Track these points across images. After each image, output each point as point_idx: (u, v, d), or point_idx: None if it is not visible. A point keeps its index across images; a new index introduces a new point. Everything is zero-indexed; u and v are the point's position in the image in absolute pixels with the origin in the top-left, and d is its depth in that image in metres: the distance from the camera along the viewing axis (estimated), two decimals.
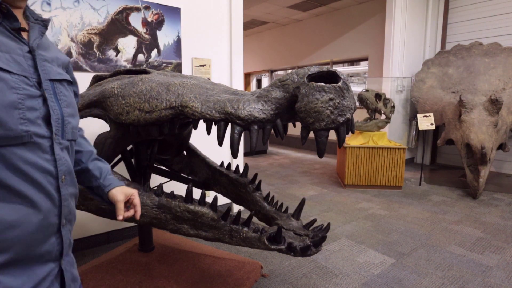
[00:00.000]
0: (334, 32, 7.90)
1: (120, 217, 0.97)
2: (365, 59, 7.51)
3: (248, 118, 1.17)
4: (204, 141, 3.08)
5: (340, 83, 1.06)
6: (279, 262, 2.44)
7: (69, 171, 0.83)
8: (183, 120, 1.39)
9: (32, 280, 0.72)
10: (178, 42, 2.96)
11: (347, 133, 1.16)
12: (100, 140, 1.72)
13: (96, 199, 1.09)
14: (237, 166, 1.94)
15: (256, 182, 1.86)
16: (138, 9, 2.70)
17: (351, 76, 8.45)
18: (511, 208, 3.70)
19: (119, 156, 1.99)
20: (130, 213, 1.01)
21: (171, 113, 1.33)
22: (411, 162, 6.35)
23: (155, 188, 1.53)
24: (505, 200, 4.02)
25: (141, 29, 2.73)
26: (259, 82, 11.39)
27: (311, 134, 1.40)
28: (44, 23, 0.83)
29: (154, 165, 2.13)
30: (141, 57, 2.76)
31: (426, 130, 5.58)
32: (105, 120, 1.69)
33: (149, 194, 1.49)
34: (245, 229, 1.43)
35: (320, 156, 1.14)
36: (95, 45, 2.51)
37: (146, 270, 2.06)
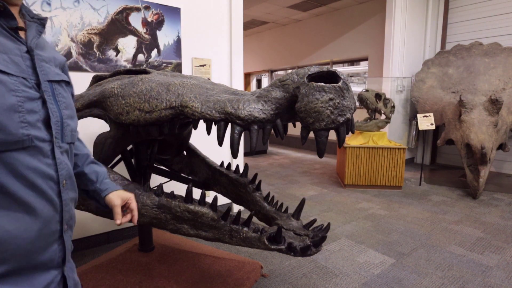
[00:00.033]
0: (334, 32, 7.90)
1: (118, 221, 0.96)
2: (365, 59, 7.51)
3: (248, 118, 1.17)
4: (204, 141, 3.08)
5: (340, 83, 1.06)
6: (279, 262, 2.44)
7: (70, 175, 0.81)
8: (183, 120, 1.39)
9: None
10: (178, 42, 2.96)
11: (347, 133, 1.16)
12: (100, 140, 1.72)
13: (91, 202, 1.08)
14: (237, 166, 1.94)
15: (256, 182, 1.86)
16: (138, 9, 2.70)
17: (351, 76, 8.45)
18: (511, 208, 3.70)
19: (119, 156, 1.99)
20: (127, 218, 1.00)
21: (171, 113, 1.33)
22: (411, 162, 6.35)
23: (155, 188, 1.53)
24: (505, 200, 4.02)
25: (141, 29, 2.73)
26: (259, 82, 11.39)
27: (311, 134, 1.40)
28: (41, 22, 0.80)
29: (154, 165, 2.13)
30: (141, 57, 2.76)
31: (426, 130, 5.58)
32: (105, 120, 1.69)
33: (149, 194, 1.49)
34: (245, 229, 1.43)
35: (320, 156, 1.14)
36: (95, 45, 2.51)
37: (146, 270, 2.06)
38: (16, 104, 0.66)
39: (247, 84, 11.21)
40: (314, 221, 1.59)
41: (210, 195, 3.06)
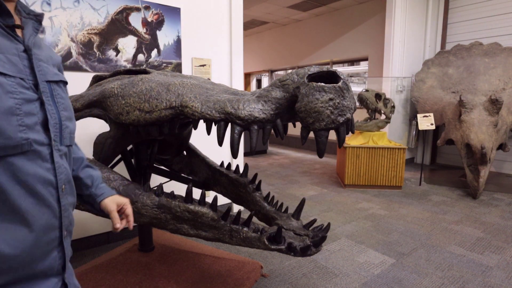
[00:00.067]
0: (334, 32, 7.90)
1: (118, 225, 0.94)
2: (365, 59, 7.51)
3: (248, 118, 1.17)
4: (204, 141, 3.08)
5: (340, 83, 1.06)
6: (279, 262, 2.44)
7: (69, 180, 0.78)
8: (183, 120, 1.39)
9: None
10: (178, 42, 2.96)
11: (347, 133, 1.16)
12: (100, 140, 1.72)
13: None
14: (237, 166, 1.94)
15: (256, 182, 1.86)
16: (138, 9, 2.70)
17: (351, 76, 8.45)
18: (511, 208, 3.70)
19: (119, 156, 1.99)
20: (123, 224, 0.97)
21: (171, 113, 1.33)
22: (411, 162, 6.35)
23: (155, 188, 1.53)
24: (505, 200, 4.02)
25: (141, 29, 2.73)
26: (259, 82, 11.39)
27: (311, 134, 1.40)
28: (37, 18, 0.76)
29: (154, 165, 2.13)
30: (141, 57, 2.76)
31: (426, 130, 5.58)
32: (105, 120, 1.69)
33: (149, 194, 1.49)
34: (245, 229, 1.43)
35: (320, 156, 1.14)
36: (95, 45, 2.51)
37: (146, 270, 2.06)
38: (14, 107, 0.63)
39: (247, 84, 11.21)
40: (314, 221, 1.59)
41: (210, 195, 3.06)
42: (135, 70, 1.71)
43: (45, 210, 0.69)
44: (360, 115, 5.64)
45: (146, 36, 2.77)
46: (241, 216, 1.47)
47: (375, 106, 4.49)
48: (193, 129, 1.47)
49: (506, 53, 5.00)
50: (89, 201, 0.98)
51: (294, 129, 7.70)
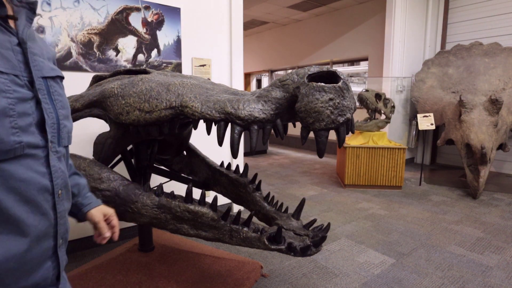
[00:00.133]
0: (334, 32, 7.90)
1: (108, 234, 0.90)
2: (365, 59, 7.51)
3: (248, 118, 1.17)
4: (204, 141, 3.08)
5: (340, 83, 1.06)
6: (279, 262, 2.44)
7: (65, 184, 0.73)
8: (183, 120, 1.39)
9: None
10: (178, 42, 2.96)
11: (347, 133, 1.16)
12: (100, 140, 1.72)
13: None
14: (237, 166, 1.94)
15: (256, 182, 1.86)
16: (138, 9, 2.70)
17: (351, 76, 8.45)
18: (511, 208, 3.70)
19: (119, 156, 1.99)
20: (108, 234, 0.91)
21: (171, 113, 1.33)
22: (411, 162, 6.35)
23: (155, 188, 1.53)
24: (505, 200, 4.02)
25: (141, 29, 2.73)
26: (259, 82, 11.39)
27: (311, 134, 1.40)
28: (31, 6, 0.69)
29: (154, 165, 2.13)
30: (141, 57, 2.76)
31: (426, 130, 5.58)
32: (105, 120, 1.69)
33: (149, 194, 1.49)
34: (245, 229, 1.43)
35: (320, 156, 1.14)
36: (95, 45, 2.51)
37: (146, 270, 2.06)
38: (7, 107, 0.57)
39: (247, 84, 11.22)
40: (314, 221, 1.59)
41: (210, 195, 3.06)
42: (135, 70, 1.71)
43: (40, 218, 0.64)
44: (360, 115, 5.64)
45: (146, 36, 2.77)
46: (241, 216, 1.47)
47: (375, 106, 4.49)
48: (193, 129, 1.47)
49: (506, 53, 5.00)
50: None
51: (294, 129, 7.70)
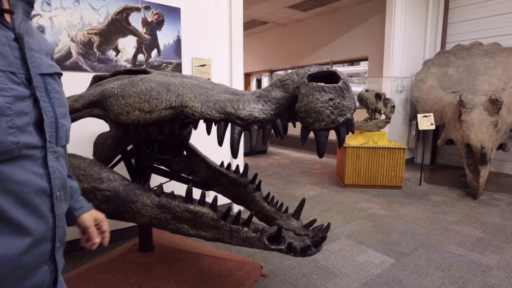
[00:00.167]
0: (334, 32, 7.90)
1: (98, 240, 0.88)
2: (365, 59, 7.51)
3: (248, 118, 1.17)
4: (204, 141, 3.08)
5: (340, 83, 1.06)
6: (279, 262, 2.44)
7: (63, 185, 0.71)
8: (183, 120, 1.39)
9: None
10: (178, 42, 2.96)
11: (347, 133, 1.16)
12: (100, 140, 1.72)
13: None
14: (237, 166, 1.94)
15: (256, 182, 1.86)
16: (138, 9, 2.70)
17: (351, 76, 8.45)
18: (511, 208, 3.70)
19: (119, 156, 1.99)
20: (98, 239, 0.89)
21: (171, 113, 1.33)
22: (411, 162, 6.35)
23: (155, 188, 1.53)
24: (505, 200, 4.02)
25: (141, 29, 2.73)
26: (259, 82, 11.39)
27: (311, 134, 1.40)
28: (29, 0, 0.66)
29: (154, 165, 2.13)
30: (141, 57, 2.76)
31: (426, 130, 5.58)
32: (105, 120, 1.69)
33: (149, 194, 1.49)
34: (245, 229, 1.43)
35: (320, 156, 1.14)
36: (95, 45, 2.51)
37: (146, 270, 2.06)
38: (4, 106, 0.55)
39: (247, 84, 11.22)
40: (314, 221, 1.59)
41: (210, 195, 3.06)
42: (135, 70, 1.71)
43: (38, 221, 0.62)
44: (360, 115, 5.64)
45: (146, 36, 2.77)
46: (241, 216, 1.47)
47: (375, 106, 4.49)
48: (193, 129, 1.47)
49: (506, 53, 5.00)
50: None
51: (294, 129, 7.71)
